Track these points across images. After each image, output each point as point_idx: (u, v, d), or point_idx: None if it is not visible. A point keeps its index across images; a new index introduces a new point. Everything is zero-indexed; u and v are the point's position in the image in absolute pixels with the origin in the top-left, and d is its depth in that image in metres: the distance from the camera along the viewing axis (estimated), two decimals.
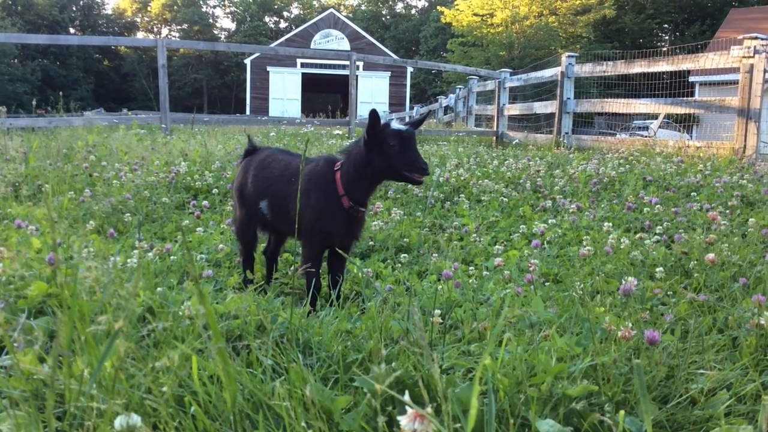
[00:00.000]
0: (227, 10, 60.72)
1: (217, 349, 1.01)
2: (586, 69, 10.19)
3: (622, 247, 3.11)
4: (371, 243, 3.75)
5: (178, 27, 58.21)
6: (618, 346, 1.64)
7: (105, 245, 3.13)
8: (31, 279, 2.27)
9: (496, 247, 3.47)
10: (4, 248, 2.45)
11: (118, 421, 0.91)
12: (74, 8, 55.43)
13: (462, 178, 5.59)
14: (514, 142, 10.87)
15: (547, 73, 11.27)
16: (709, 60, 8.02)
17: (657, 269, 2.65)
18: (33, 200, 4.52)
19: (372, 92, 33.14)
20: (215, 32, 58.69)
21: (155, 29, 59.35)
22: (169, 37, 56.79)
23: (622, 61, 9.37)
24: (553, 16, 34.66)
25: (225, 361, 1.06)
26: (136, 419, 0.91)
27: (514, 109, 12.43)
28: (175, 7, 56.66)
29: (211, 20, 59.24)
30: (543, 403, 1.44)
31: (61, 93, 9.71)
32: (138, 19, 59.42)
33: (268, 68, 34.44)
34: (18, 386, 1.37)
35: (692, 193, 4.67)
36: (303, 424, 1.23)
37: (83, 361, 1.36)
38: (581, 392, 1.41)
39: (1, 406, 1.29)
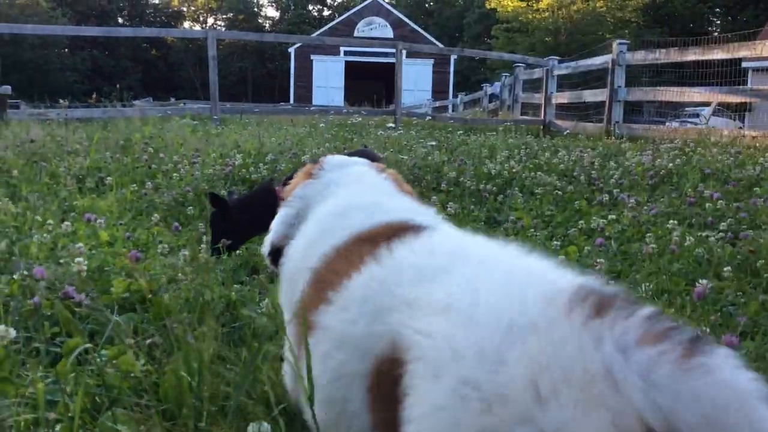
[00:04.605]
0: None
1: (308, 377, 1.01)
2: (638, 57, 10.01)
3: (685, 244, 3.07)
4: None
5: (224, 16, 58.83)
6: None
7: (172, 238, 3.22)
8: (110, 274, 2.37)
9: (554, 242, 3.47)
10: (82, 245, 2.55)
11: (250, 429, 0.97)
12: None
13: (514, 170, 5.56)
14: (565, 132, 10.74)
15: (597, 61, 11.10)
16: (766, 48, 7.79)
17: (724, 268, 2.61)
18: (96, 192, 4.66)
19: (415, 80, 33.02)
20: (260, 21, 59.14)
21: (201, 18, 60.09)
22: (215, 26, 57.44)
23: (676, 48, 9.17)
24: (601, 1, 34.01)
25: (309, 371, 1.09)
26: (266, 427, 0.95)
27: (563, 98, 12.27)
28: None
29: (255, 9, 59.72)
30: None
31: (117, 86, 9.97)
32: (184, 9, 60.22)
33: (312, 57, 34.56)
34: (117, 383, 1.43)
35: (754, 188, 4.57)
36: None
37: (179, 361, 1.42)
38: None
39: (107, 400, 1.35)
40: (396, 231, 1.10)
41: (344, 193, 1.41)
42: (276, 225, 1.48)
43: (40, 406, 1.13)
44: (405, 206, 1.36)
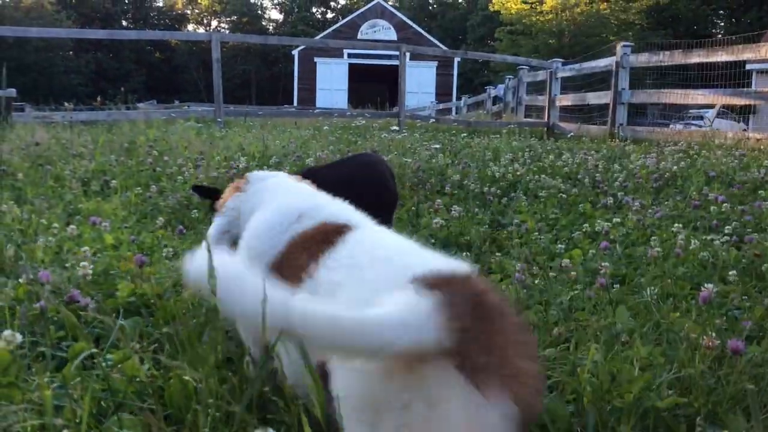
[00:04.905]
0: (275, 1, 61.30)
1: (313, 377, 1.06)
2: (642, 59, 10.00)
3: (690, 248, 3.07)
4: (432, 241, 3.77)
5: (227, 19, 58.92)
6: (702, 356, 1.63)
7: (177, 242, 3.23)
8: (115, 277, 2.37)
9: (558, 245, 3.46)
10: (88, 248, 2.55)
11: None
12: (126, 1, 56.61)
13: (518, 173, 5.56)
14: (569, 135, 10.73)
15: (601, 63, 11.09)
16: None
17: (729, 272, 2.61)
18: (101, 195, 4.67)
19: (419, 82, 32.97)
20: (263, 23, 59.23)
21: (205, 21, 60.20)
22: (219, 29, 57.49)
23: (680, 50, 9.15)
24: (605, 3, 33.99)
25: (316, 381, 1.11)
26: None
27: (566, 100, 12.26)
28: None
29: (259, 11, 59.84)
30: (627, 413, 1.44)
31: (122, 88, 10.00)
32: (188, 11, 60.34)
33: (315, 59, 34.62)
34: (122, 387, 1.44)
35: (759, 191, 4.56)
36: None
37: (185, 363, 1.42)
38: (670, 404, 1.41)
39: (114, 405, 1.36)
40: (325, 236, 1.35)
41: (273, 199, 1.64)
42: (211, 233, 1.72)
43: (47, 412, 1.13)
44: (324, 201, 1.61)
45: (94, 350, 1.54)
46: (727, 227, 3.51)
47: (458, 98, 29.95)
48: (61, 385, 1.42)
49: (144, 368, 1.53)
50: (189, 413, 1.31)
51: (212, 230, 1.71)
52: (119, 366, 1.53)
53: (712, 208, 4.01)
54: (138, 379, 1.47)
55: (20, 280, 2.13)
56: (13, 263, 2.49)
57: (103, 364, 1.51)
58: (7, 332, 1.48)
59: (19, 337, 1.48)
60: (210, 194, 2.94)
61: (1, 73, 3.03)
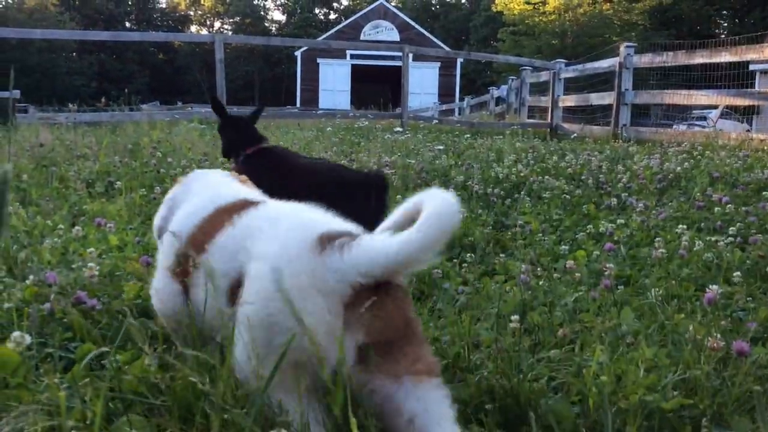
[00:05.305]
0: (278, 2, 61.36)
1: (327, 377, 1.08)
2: (646, 60, 10.00)
3: (695, 249, 3.07)
4: None
5: (230, 20, 59.02)
6: (707, 357, 1.64)
7: None
8: (121, 278, 2.38)
9: (562, 246, 3.46)
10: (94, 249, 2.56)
11: None
12: (129, 2, 56.73)
13: (521, 174, 5.56)
14: (573, 136, 10.72)
15: (605, 64, 11.09)
16: None
17: (734, 273, 2.61)
18: (106, 197, 4.68)
19: (421, 83, 32.98)
20: (266, 24, 59.29)
21: (208, 22, 60.29)
22: (222, 30, 57.57)
23: (683, 51, 9.16)
24: (608, 3, 34.00)
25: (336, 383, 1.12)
26: None
27: (569, 101, 12.27)
28: (228, 0, 57.46)
29: (262, 13, 59.91)
30: (633, 414, 1.45)
31: (126, 90, 10.03)
32: (191, 13, 60.44)
33: (318, 60, 34.65)
34: (132, 388, 1.44)
35: (763, 191, 4.56)
36: None
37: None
38: (675, 406, 1.42)
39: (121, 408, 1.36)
40: (239, 206, 1.59)
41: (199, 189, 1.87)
42: (156, 219, 1.94)
43: (62, 413, 1.14)
44: (236, 189, 1.85)
45: (104, 349, 1.54)
46: (731, 228, 3.51)
47: (461, 99, 29.94)
48: (69, 385, 1.43)
49: (151, 369, 1.53)
50: (197, 414, 1.32)
51: (156, 217, 1.92)
52: (127, 366, 1.54)
53: (716, 209, 4.01)
54: (146, 380, 1.48)
55: (28, 282, 2.14)
56: (22, 264, 2.51)
57: (113, 365, 1.51)
58: (16, 334, 1.49)
59: (28, 339, 1.49)
60: (219, 110, 3.59)
61: (9, 76, 3.05)
